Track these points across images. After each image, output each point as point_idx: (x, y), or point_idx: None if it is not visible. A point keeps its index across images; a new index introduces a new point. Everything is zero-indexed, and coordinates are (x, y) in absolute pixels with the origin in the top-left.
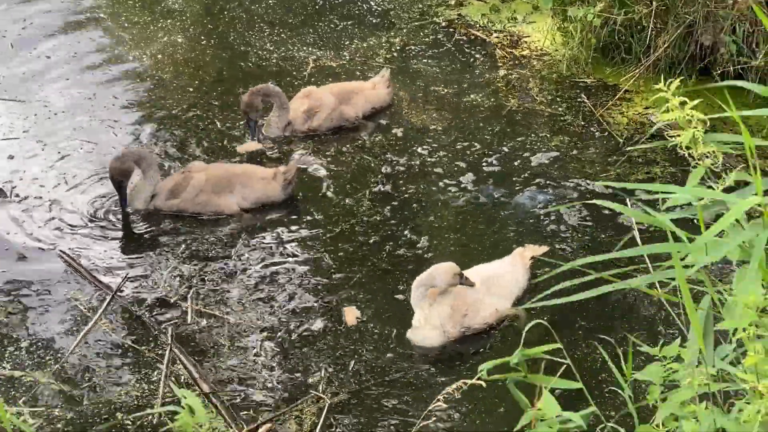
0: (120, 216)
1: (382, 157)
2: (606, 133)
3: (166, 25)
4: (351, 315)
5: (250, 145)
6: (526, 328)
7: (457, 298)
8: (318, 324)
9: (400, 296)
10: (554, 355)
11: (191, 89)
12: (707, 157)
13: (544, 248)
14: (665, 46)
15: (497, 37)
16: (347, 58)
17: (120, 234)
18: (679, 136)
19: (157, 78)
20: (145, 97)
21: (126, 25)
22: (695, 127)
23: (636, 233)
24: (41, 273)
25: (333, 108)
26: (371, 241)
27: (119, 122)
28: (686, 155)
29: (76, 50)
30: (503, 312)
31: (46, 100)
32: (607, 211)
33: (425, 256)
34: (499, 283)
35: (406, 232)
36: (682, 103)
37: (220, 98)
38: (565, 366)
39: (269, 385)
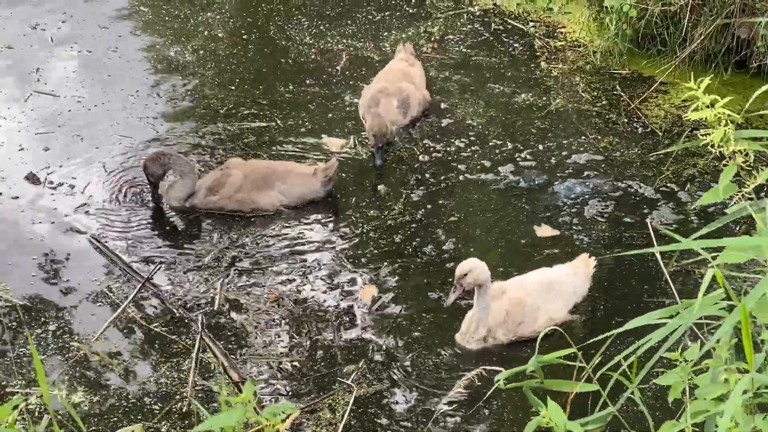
0: (155, 206)
1: (422, 148)
2: (643, 126)
3: (206, 18)
4: (368, 293)
5: (333, 141)
6: (541, 335)
7: (513, 304)
8: (348, 316)
9: (432, 294)
10: (571, 359)
11: (233, 87)
12: (740, 154)
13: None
14: (701, 38)
15: (533, 27)
16: (387, 49)
17: (154, 224)
18: (709, 134)
19: (199, 75)
20: (185, 93)
21: (167, 18)
22: (726, 125)
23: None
24: (72, 259)
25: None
26: (408, 234)
27: (158, 119)
28: (719, 153)
29: (117, 45)
30: (557, 320)
31: (84, 95)
32: (628, 218)
33: (458, 254)
34: (558, 289)
35: (438, 231)
36: (713, 102)
37: (264, 96)
38: (582, 370)
39: (297, 374)
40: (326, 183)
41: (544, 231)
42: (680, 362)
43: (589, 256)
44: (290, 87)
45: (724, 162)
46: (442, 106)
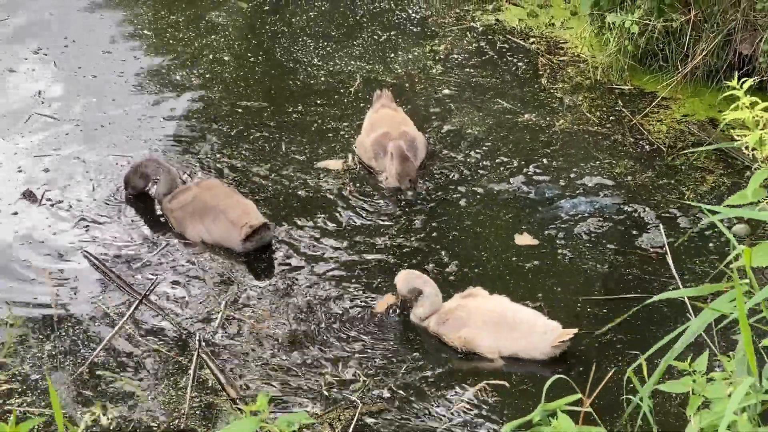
0: (152, 221)
1: (427, 169)
2: (649, 144)
3: (211, 41)
4: (383, 303)
5: (331, 162)
6: (547, 384)
7: (458, 307)
8: (350, 332)
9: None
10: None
11: (240, 109)
12: None
13: (573, 332)
14: (703, 54)
15: (534, 42)
16: (398, 70)
17: (151, 240)
18: (745, 136)
19: (206, 98)
20: (192, 117)
21: (171, 42)
22: (763, 129)
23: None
24: (69, 276)
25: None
26: (411, 247)
27: (162, 140)
28: (749, 157)
29: (122, 69)
30: (475, 349)
31: (87, 118)
32: (616, 241)
33: (461, 274)
34: (508, 334)
35: (440, 247)
36: (753, 104)
37: (272, 118)
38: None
39: (298, 391)
40: (245, 241)
41: (524, 239)
42: (688, 372)
43: (576, 333)
44: (299, 108)
45: (755, 167)
46: (444, 128)
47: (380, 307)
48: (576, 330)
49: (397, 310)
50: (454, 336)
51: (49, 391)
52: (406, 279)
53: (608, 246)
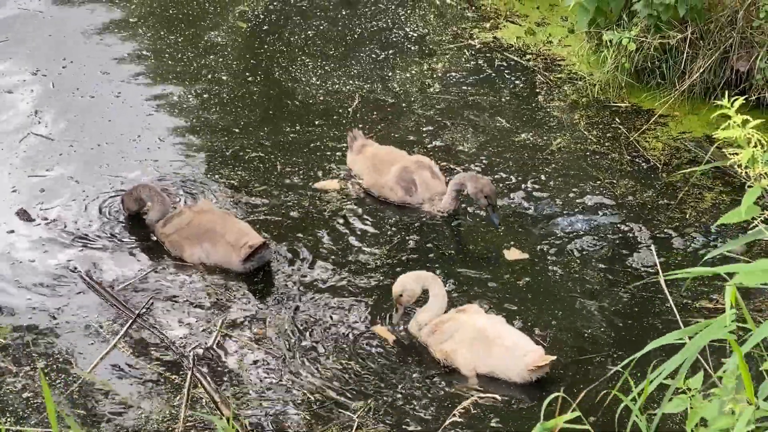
0: (146, 242)
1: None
2: (646, 162)
3: (210, 61)
4: (383, 332)
5: (328, 183)
6: (545, 403)
7: (446, 321)
8: (343, 351)
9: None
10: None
11: (237, 129)
12: (765, 176)
13: (550, 358)
14: (700, 71)
15: (531, 59)
16: (397, 89)
17: (145, 259)
18: (737, 155)
19: (203, 118)
20: (189, 137)
21: (170, 62)
22: (755, 147)
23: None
24: (63, 295)
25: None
26: (406, 267)
27: (159, 161)
28: (742, 175)
29: (120, 90)
30: (454, 365)
31: (83, 139)
32: (606, 260)
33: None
34: (486, 351)
35: (438, 263)
36: (744, 122)
37: (269, 138)
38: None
39: (293, 409)
40: (245, 261)
41: (513, 254)
42: (683, 390)
43: (549, 361)
44: (297, 128)
45: (748, 184)
46: (441, 146)
47: (397, 318)
48: (553, 357)
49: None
50: (437, 348)
51: (47, 406)
52: (417, 278)
53: (600, 265)
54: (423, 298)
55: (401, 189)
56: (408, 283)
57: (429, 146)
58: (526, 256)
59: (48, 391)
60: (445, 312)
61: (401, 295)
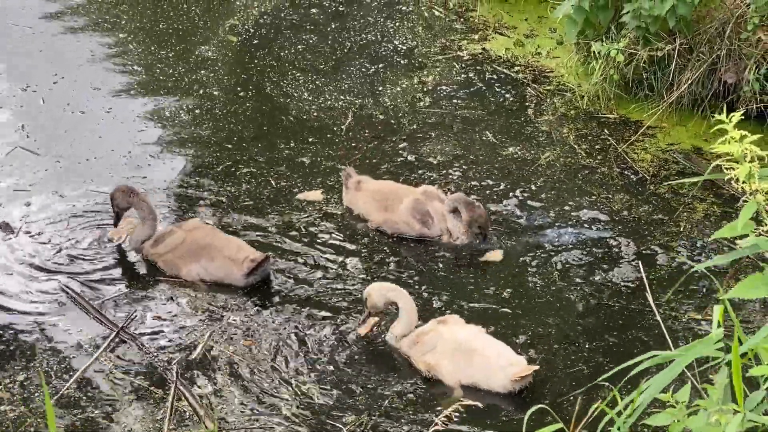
0: (132, 256)
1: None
2: (631, 171)
3: (201, 76)
4: (367, 326)
5: (311, 194)
6: (528, 414)
7: (428, 333)
8: (330, 363)
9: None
10: None
11: (230, 145)
12: (761, 192)
13: (533, 368)
14: (688, 83)
15: (520, 70)
16: (388, 103)
17: (129, 273)
18: (733, 169)
19: (196, 134)
20: (180, 153)
21: (161, 77)
22: (752, 162)
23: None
24: (46, 308)
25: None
26: (394, 276)
27: (147, 178)
28: (738, 190)
29: (111, 105)
30: (435, 375)
31: (72, 154)
32: (585, 275)
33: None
34: (467, 360)
35: (423, 276)
36: (742, 137)
37: (262, 154)
38: None
39: (279, 422)
40: (248, 275)
41: (489, 256)
42: (671, 403)
43: (531, 371)
44: (291, 144)
45: (743, 199)
46: (433, 161)
47: (365, 329)
48: (536, 367)
49: (381, 331)
50: (419, 359)
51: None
52: (379, 291)
53: (588, 277)
54: (393, 311)
55: (417, 222)
56: (372, 292)
57: (420, 164)
58: (499, 258)
59: (50, 402)
60: (421, 323)
61: (366, 300)
